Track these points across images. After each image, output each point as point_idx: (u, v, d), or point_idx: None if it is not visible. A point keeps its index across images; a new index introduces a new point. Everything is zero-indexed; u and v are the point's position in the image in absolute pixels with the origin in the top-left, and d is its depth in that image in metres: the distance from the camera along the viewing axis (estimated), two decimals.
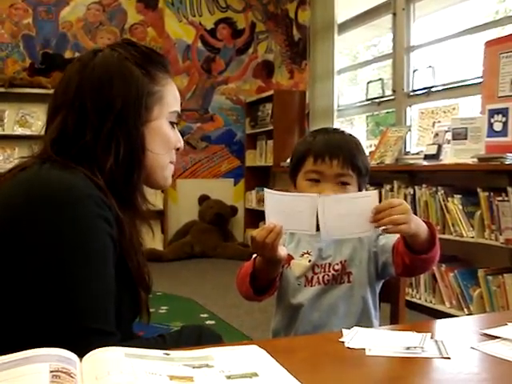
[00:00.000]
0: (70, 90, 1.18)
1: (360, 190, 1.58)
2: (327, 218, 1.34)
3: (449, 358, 0.95)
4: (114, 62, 1.19)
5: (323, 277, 1.58)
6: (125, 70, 1.18)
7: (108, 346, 0.82)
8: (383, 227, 1.34)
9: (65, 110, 1.17)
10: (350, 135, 1.66)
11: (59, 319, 0.99)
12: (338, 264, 1.58)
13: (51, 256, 1.00)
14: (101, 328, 1.01)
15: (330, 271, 1.58)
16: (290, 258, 1.62)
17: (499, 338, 1.04)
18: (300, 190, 1.59)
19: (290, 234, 1.66)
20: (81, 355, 0.79)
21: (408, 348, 1.00)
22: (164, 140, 1.24)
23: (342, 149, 1.55)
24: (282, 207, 1.38)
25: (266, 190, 1.40)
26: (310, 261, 1.60)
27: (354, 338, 1.06)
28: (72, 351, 0.78)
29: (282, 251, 1.43)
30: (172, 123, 1.27)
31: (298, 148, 1.65)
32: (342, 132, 1.68)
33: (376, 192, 1.36)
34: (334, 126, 5.64)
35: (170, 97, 1.25)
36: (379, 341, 1.04)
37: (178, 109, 1.28)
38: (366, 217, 1.33)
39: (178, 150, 1.30)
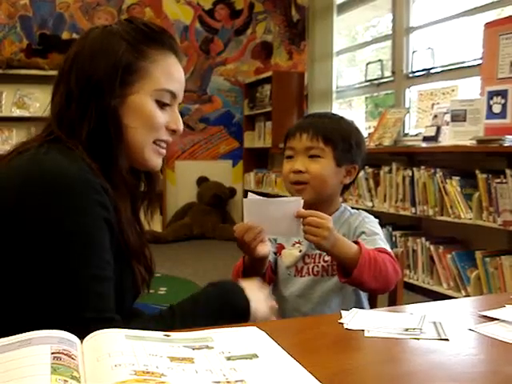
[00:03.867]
0: (65, 67, 1.19)
1: (339, 165, 1.58)
2: (253, 217, 1.40)
3: (447, 340, 0.96)
4: (101, 36, 1.18)
5: (313, 268, 1.59)
6: (107, 44, 1.17)
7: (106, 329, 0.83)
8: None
9: (61, 87, 1.18)
10: (335, 116, 1.67)
11: (55, 307, 0.99)
12: (328, 255, 1.58)
13: (46, 242, 1.00)
14: (98, 316, 1.01)
15: (320, 262, 1.59)
16: (281, 247, 1.64)
17: (497, 319, 1.05)
18: (282, 169, 1.65)
19: None
20: (82, 339, 0.79)
21: (407, 329, 1.00)
22: (142, 116, 1.18)
23: (313, 124, 1.59)
24: (263, 212, 1.41)
25: (247, 196, 1.44)
26: (300, 251, 1.61)
27: (352, 319, 1.06)
28: None
29: (263, 249, 1.43)
30: (160, 102, 1.20)
31: None
32: (327, 115, 1.69)
33: (300, 199, 1.41)
34: (332, 109, 5.64)
35: (160, 74, 1.19)
36: (378, 322, 1.05)
37: (173, 88, 1.22)
38: (292, 220, 1.39)
39: (174, 132, 1.25)
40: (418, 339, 0.96)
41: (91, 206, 1.04)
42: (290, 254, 1.62)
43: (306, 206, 1.44)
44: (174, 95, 1.23)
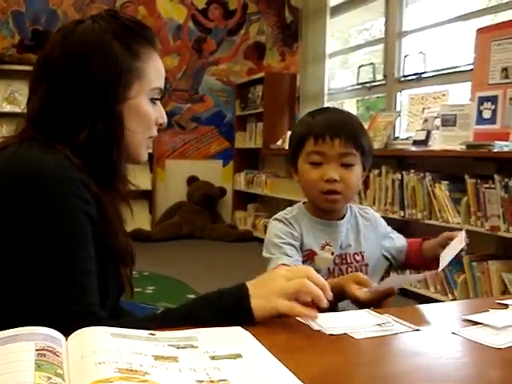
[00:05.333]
0: (51, 64, 1.15)
1: (364, 170, 1.53)
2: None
3: (419, 330, 1.01)
4: (94, 35, 1.16)
5: (346, 268, 1.53)
6: (105, 45, 1.15)
7: (90, 324, 0.83)
8: None
9: (46, 85, 1.15)
10: (350, 114, 1.61)
11: (39, 300, 0.98)
12: (358, 254, 1.55)
13: (28, 234, 1.00)
14: (82, 310, 1.00)
15: (352, 262, 1.54)
16: (313, 253, 1.54)
17: (480, 323, 1.06)
18: (302, 174, 1.53)
19: (302, 224, 1.57)
20: (65, 334, 0.79)
21: (379, 325, 1.02)
22: (143, 118, 1.20)
23: (344, 127, 1.48)
24: None
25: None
26: (332, 253, 1.53)
27: (323, 324, 1.03)
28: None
29: None
30: (153, 99, 1.22)
31: (296, 130, 1.59)
32: (342, 111, 1.63)
33: None
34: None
35: (152, 73, 1.20)
36: (350, 323, 1.05)
37: (161, 85, 1.24)
38: None
39: (160, 125, 1.26)
40: (400, 341, 0.97)
41: (71, 199, 1.03)
42: (324, 259, 1.53)
43: (323, 212, 1.50)
44: (161, 91, 1.25)
